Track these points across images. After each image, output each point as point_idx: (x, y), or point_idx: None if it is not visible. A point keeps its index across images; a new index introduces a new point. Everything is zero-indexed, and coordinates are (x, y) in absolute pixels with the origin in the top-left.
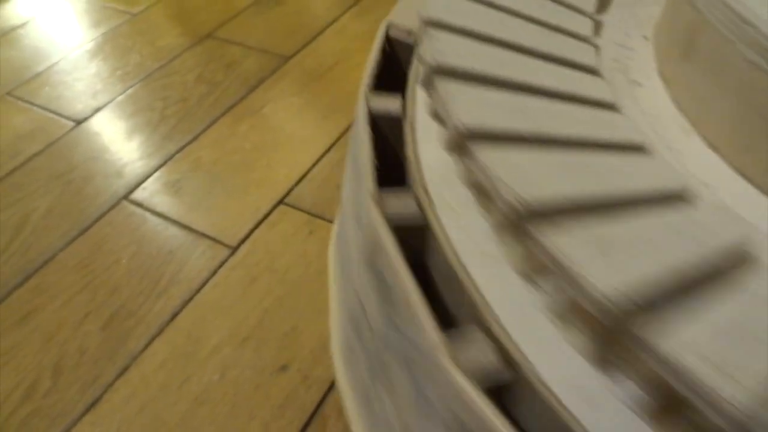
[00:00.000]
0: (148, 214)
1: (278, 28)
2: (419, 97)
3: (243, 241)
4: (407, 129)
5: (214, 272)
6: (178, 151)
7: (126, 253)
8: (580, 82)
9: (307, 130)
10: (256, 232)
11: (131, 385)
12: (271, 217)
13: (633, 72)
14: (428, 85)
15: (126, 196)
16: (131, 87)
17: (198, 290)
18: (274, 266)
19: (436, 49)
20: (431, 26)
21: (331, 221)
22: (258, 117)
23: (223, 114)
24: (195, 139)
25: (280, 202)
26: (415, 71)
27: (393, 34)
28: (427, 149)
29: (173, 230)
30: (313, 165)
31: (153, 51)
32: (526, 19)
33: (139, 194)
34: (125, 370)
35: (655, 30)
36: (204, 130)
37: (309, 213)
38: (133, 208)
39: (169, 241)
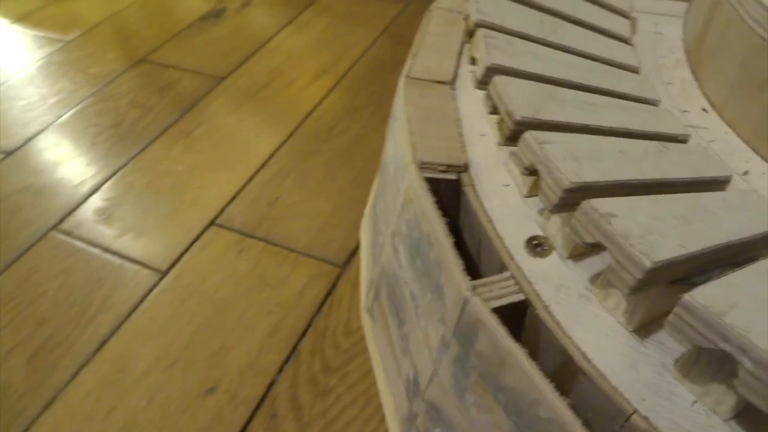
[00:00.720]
0: (77, 243)
1: (213, 49)
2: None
3: (173, 264)
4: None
5: (144, 298)
6: (109, 177)
7: (54, 284)
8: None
9: (239, 149)
10: (187, 254)
11: (56, 417)
12: (203, 239)
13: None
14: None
15: (55, 227)
16: (63, 115)
17: (127, 317)
18: (203, 287)
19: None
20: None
21: (261, 239)
22: (191, 139)
23: (156, 137)
24: (127, 164)
25: (212, 223)
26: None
27: (428, 174)
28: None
29: (103, 258)
30: (245, 184)
31: (86, 78)
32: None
33: (68, 223)
34: (50, 402)
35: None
36: (136, 155)
37: (240, 232)
38: (62, 237)
39: (98, 270)
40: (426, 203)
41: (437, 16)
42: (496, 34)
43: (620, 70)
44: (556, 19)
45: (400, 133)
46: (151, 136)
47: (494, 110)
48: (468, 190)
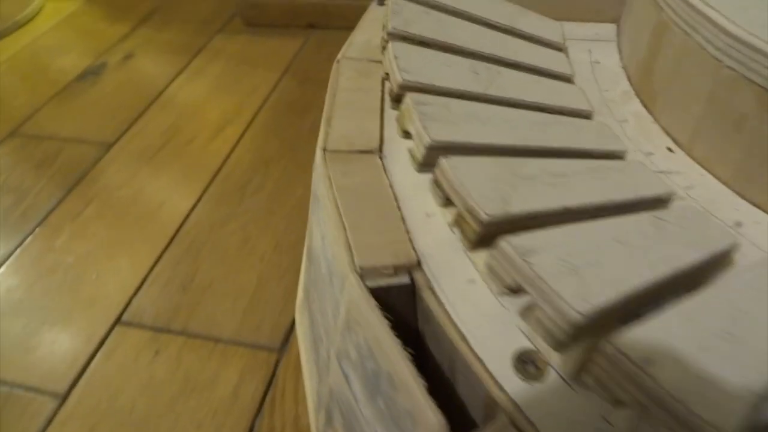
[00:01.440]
0: None
1: (96, 111)
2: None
3: (75, 382)
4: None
5: None
6: None
7: None
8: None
9: (140, 226)
10: (91, 366)
11: None
12: (108, 344)
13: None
14: None
15: None
16: None
17: None
18: (115, 406)
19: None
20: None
21: (180, 333)
22: (80, 222)
23: (36, 226)
24: (1, 265)
25: (117, 321)
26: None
27: (373, 283)
28: None
29: None
30: (152, 267)
31: None
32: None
33: None
34: None
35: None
36: (12, 252)
37: (153, 328)
38: None
39: None
40: (380, 332)
41: (347, 69)
42: (428, 97)
43: (575, 119)
44: (490, 65)
45: (329, 227)
46: (29, 226)
47: (447, 202)
48: (426, 294)
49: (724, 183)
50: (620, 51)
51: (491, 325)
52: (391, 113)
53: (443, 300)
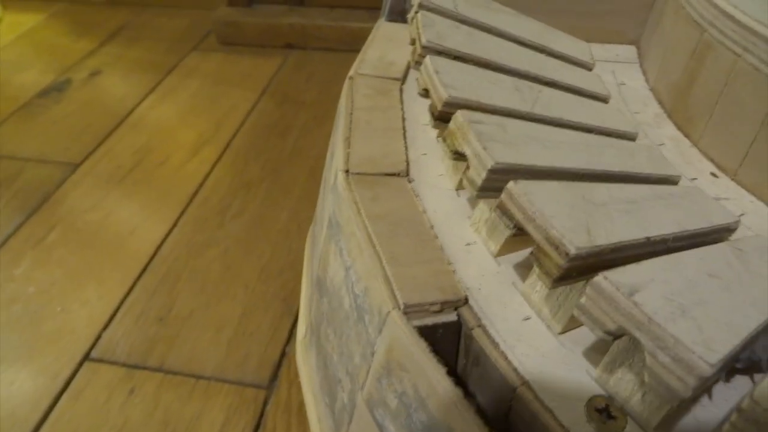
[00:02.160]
0: None
1: (60, 130)
2: None
3: (38, 427)
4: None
5: None
6: None
7: None
8: None
9: (110, 253)
10: (57, 408)
11: None
12: (76, 382)
13: None
14: None
15: None
16: None
17: None
18: None
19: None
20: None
21: (157, 369)
22: (43, 248)
23: None
24: None
25: (86, 357)
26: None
27: (419, 322)
28: None
29: None
30: (124, 298)
31: None
32: None
33: None
34: None
35: None
36: None
37: (126, 365)
38: None
39: None
40: (436, 379)
41: (362, 86)
42: (481, 116)
43: (623, 142)
44: (530, 84)
45: (360, 258)
46: None
47: (519, 230)
48: (478, 334)
49: None
50: (644, 73)
51: (555, 369)
52: (415, 134)
53: (498, 340)
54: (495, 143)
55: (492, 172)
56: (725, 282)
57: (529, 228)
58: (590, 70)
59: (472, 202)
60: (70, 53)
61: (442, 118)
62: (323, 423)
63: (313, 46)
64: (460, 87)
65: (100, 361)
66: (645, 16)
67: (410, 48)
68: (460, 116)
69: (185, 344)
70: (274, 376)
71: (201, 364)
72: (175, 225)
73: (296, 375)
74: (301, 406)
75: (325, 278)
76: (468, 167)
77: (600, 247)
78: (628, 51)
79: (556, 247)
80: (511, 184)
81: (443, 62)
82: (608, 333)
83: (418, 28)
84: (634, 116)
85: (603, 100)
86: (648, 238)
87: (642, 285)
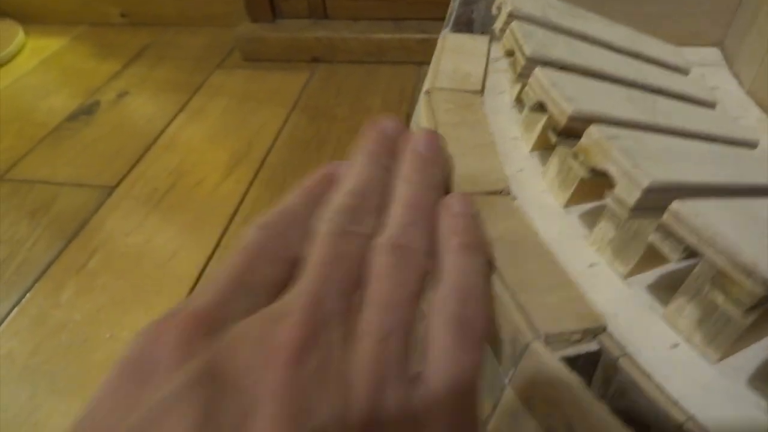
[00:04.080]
0: None
1: (92, 153)
2: None
3: None
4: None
5: None
6: None
7: None
8: None
9: (155, 276)
10: None
11: None
12: None
13: None
14: None
15: None
16: None
17: None
18: None
19: None
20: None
21: None
22: (86, 274)
23: (36, 281)
24: None
25: None
26: None
27: (560, 353)
28: None
29: None
30: None
31: None
32: None
33: None
34: None
35: None
36: (10, 311)
37: None
38: None
39: None
40: (598, 417)
41: (441, 101)
42: (614, 130)
43: (751, 151)
44: (641, 93)
45: None
46: (28, 281)
47: (691, 254)
48: (625, 364)
49: None
50: (737, 75)
51: (720, 401)
52: (506, 149)
53: (648, 370)
54: (644, 159)
55: (648, 191)
56: None
57: (708, 252)
58: (687, 74)
59: (585, 220)
60: (95, 75)
61: (567, 133)
62: None
63: (339, 59)
64: (581, 99)
65: None
66: (728, 17)
67: (483, 59)
68: (595, 131)
69: None
70: None
71: None
72: (217, 246)
73: None
74: None
75: None
76: (612, 186)
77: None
78: (713, 53)
79: (751, 277)
80: (677, 204)
81: (555, 74)
82: None
83: (517, 39)
84: (737, 122)
85: (711, 106)
86: None
87: None
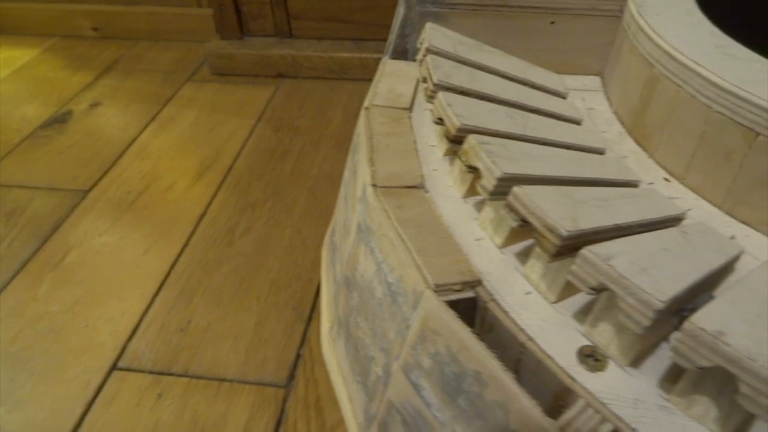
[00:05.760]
0: None
1: (66, 159)
2: None
3: None
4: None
5: None
6: None
7: None
8: None
9: (127, 272)
10: (90, 415)
11: None
12: (105, 391)
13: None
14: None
15: None
16: None
17: None
18: None
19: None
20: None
21: (182, 375)
22: (62, 270)
23: (13, 276)
24: None
25: (113, 367)
26: None
27: (446, 298)
28: None
29: None
30: (145, 312)
31: None
32: None
33: None
34: None
35: None
36: None
37: (152, 372)
38: None
39: None
40: (464, 336)
41: (377, 115)
42: (487, 138)
43: (595, 155)
44: (520, 112)
45: (391, 253)
46: (6, 276)
47: (523, 223)
48: (491, 306)
49: (716, 206)
50: (608, 99)
51: (553, 329)
52: (425, 153)
53: (507, 309)
54: (500, 158)
55: (501, 180)
56: (674, 253)
57: (532, 219)
58: (565, 98)
59: (478, 206)
60: (67, 86)
61: (456, 141)
62: (355, 400)
63: (303, 75)
64: (468, 116)
65: (127, 370)
66: (606, 52)
67: (414, 81)
68: (472, 139)
69: (206, 352)
70: (292, 375)
71: (223, 368)
72: (186, 244)
73: (312, 373)
74: (318, 400)
75: (355, 276)
76: (479, 178)
77: (583, 230)
78: (594, 81)
79: (552, 231)
80: (516, 188)
81: (452, 97)
82: (592, 288)
83: (428, 69)
84: (602, 135)
85: (577, 122)
86: (617, 225)
87: (614, 254)
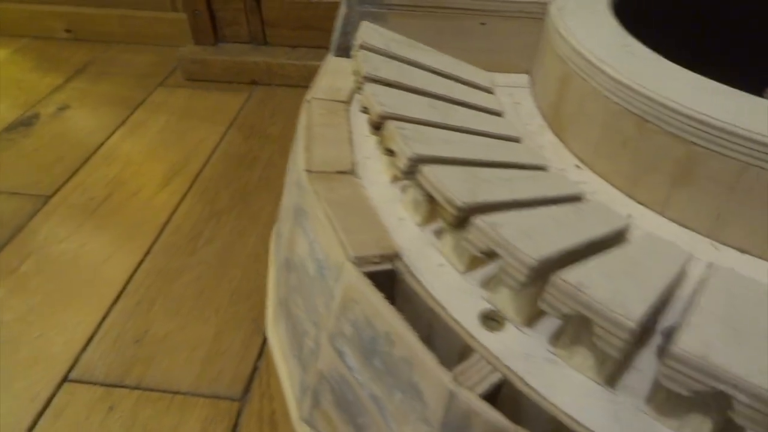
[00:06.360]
0: None
1: (30, 163)
2: None
3: None
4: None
5: None
6: None
7: None
8: None
9: (85, 280)
10: (37, 429)
11: None
12: (55, 403)
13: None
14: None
15: None
16: None
17: None
18: None
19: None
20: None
21: (135, 387)
22: (17, 277)
23: None
24: None
25: (64, 379)
26: None
27: (365, 269)
28: None
29: None
30: (101, 322)
31: None
32: None
33: None
34: None
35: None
36: None
37: (104, 384)
38: None
39: None
40: (376, 301)
41: (317, 107)
42: (404, 124)
43: (509, 143)
44: (444, 103)
45: (321, 232)
46: None
47: (430, 198)
48: (407, 277)
49: (618, 188)
50: (534, 95)
51: (460, 295)
52: (358, 142)
53: (421, 279)
54: (413, 142)
55: (411, 160)
56: (563, 224)
57: (433, 193)
58: (492, 93)
59: (404, 190)
60: (36, 88)
61: (377, 127)
62: (293, 376)
63: (276, 83)
64: (390, 105)
65: (78, 382)
66: (533, 52)
67: (353, 77)
68: (389, 124)
69: (161, 363)
70: (247, 389)
71: (177, 380)
72: (148, 253)
73: (268, 387)
74: (273, 414)
75: (293, 256)
76: (396, 160)
77: (480, 203)
78: (523, 78)
79: (450, 203)
80: (423, 167)
81: (378, 88)
82: (483, 253)
83: (359, 63)
84: (521, 126)
85: (498, 114)
86: (515, 200)
87: (504, 223)
